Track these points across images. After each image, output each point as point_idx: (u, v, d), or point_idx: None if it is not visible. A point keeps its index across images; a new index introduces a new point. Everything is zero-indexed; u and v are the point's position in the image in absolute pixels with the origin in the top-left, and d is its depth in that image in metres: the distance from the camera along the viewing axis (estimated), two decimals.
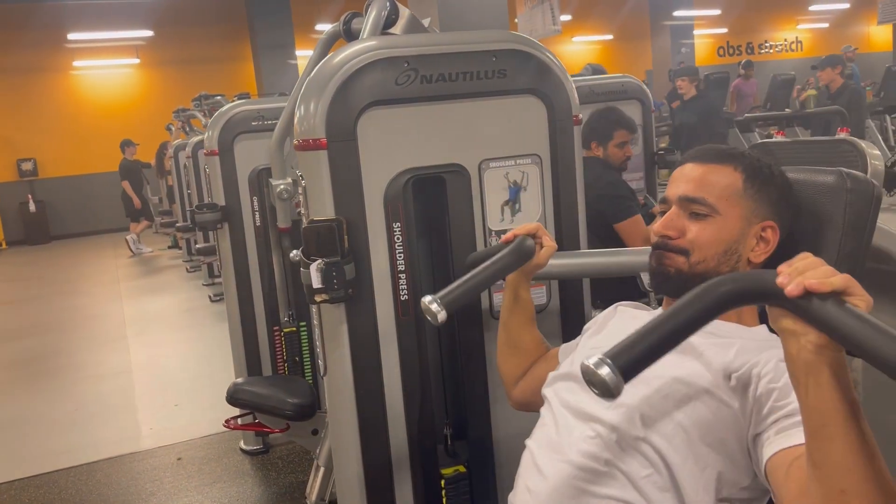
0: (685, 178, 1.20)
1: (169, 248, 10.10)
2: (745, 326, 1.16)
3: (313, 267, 1.50)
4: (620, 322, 1.31)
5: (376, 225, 1.59)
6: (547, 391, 1.27)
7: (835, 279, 0.77)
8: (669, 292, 1.21)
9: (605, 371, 0.75)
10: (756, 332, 1.14)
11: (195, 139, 7.35)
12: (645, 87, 4.01)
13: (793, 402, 0.93)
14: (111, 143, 11.04)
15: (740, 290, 0.81)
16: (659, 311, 1.23)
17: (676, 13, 14.70)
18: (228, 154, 3.14)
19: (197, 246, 6.87)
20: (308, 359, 3.31)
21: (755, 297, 0.85)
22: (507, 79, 1.64)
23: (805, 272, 0.78)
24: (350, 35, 2.58)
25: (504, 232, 1.69)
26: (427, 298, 1.24)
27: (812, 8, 16.77)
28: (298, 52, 12.23)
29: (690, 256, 1.16)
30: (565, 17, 12.49)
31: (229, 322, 3.29)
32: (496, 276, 1.38)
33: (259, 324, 3.25)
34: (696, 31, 15.57)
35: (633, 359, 0.77)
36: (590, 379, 0.76)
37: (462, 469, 1.71)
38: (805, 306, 0.77)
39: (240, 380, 2.73)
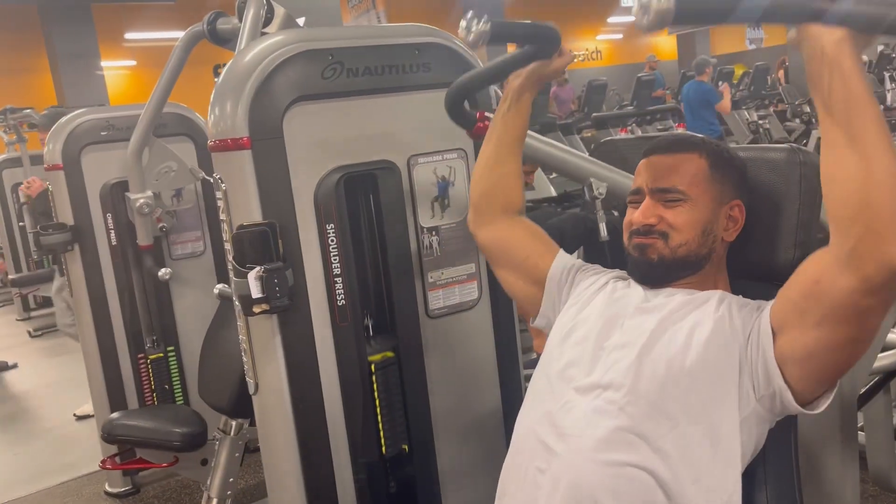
0: (655, 169, 1.23)
1: None
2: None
3: (252, 276, 1.37)
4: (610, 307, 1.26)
5: (308, 227, 1.50)
6: (543, 368, 1.25)
7: None
8: (653, 281, 1.23)
9: None
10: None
11: None
12: None
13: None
14: None
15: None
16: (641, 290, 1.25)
17: None
18: (75, 168, 2.84)
19: (10, 277, 6.16)
20: (179, 386, 3.07)
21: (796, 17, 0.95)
22: (431, 72, 1.61)
23: None
24: (215, 35, 2.43)
25: (435, 229, 1.66)
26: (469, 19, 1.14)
27: (610, 20, 18.14)
28: (105, 63, 11.37)
29: (670, 240, 1.19)
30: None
31: (85, 353, 2.96)
32: (517, 62, 1.34)
33: (121, 352, 2.96)
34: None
35: None
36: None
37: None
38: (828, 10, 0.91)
39: (115, 415, 2.48)
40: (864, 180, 0.92)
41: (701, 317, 1.14)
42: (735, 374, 1.09)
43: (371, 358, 1.58)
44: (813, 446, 1.44)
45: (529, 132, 1.74)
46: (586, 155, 1.70)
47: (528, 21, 1.30)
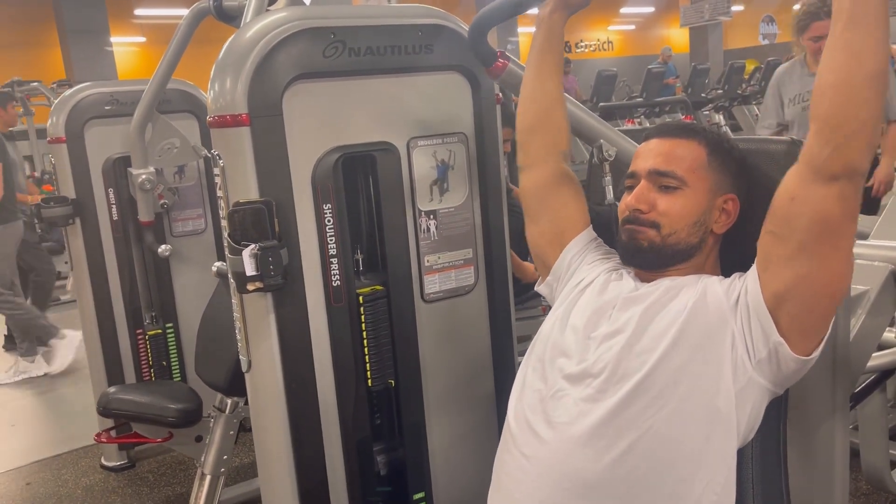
0: (653, 153, 1.22)
1: None
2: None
3: (246, 253, 1.37)
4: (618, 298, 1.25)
5: (305, 207, 1.49)
6: (536, 353, 1.26)
7: None
8: (642, 265, 1.23)
9: None
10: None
11: None
12: None
13: None
14: None
15: None
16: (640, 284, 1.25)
17: None
18: (78, 141, 2.85)
19: None
20: (176, 362, 3.08)
21: None
22: (434, 54, 1.59)
23: None
24: (222, 13, 2.41)
25: (433, 212, 1.65)
26: None
27: (622, 11, 18.03)
28: (114, 39, 11.35)
29: (661, 229, 1.19)
30: None
31: (84, 327, 2.98)
32: None
33: (119, 327, 2.97)
34: (520, 29, 16.21)
35: None
36: None
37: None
38: None
39: (111, 389, 2.49)
40: (853, 81, 0.95)
41: (685, 298, 1.14)
42: (726, 345, 1.09)
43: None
44: (804, 436, 1.44)
45: None
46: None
47: None
